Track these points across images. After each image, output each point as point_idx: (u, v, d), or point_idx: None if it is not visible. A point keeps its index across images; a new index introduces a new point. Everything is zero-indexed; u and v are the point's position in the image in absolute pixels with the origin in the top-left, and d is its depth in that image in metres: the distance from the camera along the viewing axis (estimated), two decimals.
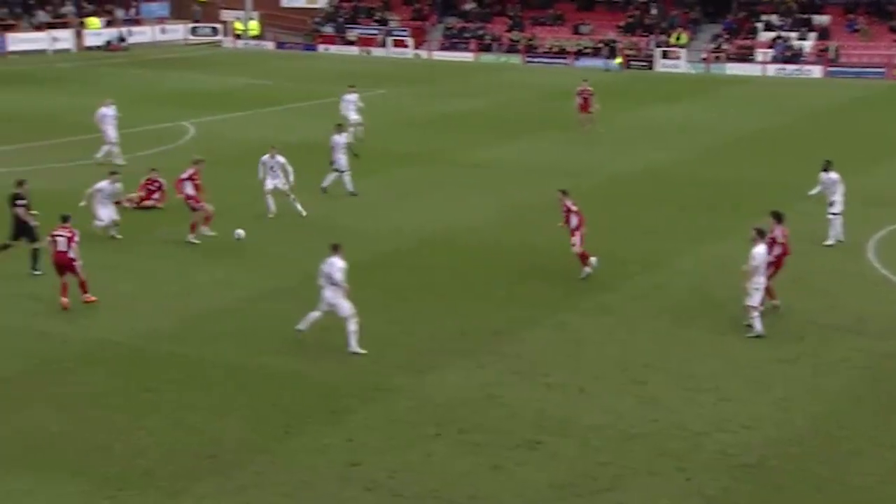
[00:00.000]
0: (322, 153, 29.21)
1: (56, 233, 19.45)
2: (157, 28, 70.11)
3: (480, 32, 67.82)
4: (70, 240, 19.37)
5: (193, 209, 23.98)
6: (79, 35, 64.02)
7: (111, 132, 31.45)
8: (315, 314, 17.90)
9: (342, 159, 28.34)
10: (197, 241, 23.73)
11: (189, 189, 23.97)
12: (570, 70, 60.24)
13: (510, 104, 47.37)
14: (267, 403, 15.82)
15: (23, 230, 21.56)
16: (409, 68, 61.42)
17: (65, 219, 19.77)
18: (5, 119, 39.06)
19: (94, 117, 32.19)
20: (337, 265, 17.54)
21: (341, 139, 28.55)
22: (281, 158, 26.42)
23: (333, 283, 17.57)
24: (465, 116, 43.79)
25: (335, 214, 26.91)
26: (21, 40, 60.64)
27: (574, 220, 21.31)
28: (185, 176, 24.15)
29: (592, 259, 21.60)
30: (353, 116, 36.20)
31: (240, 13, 71.85)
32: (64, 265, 19.35)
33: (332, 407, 15.74)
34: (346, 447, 14.48)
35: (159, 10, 72.48)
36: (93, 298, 19.56)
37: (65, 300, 19.29)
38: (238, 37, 70.69)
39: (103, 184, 23.69)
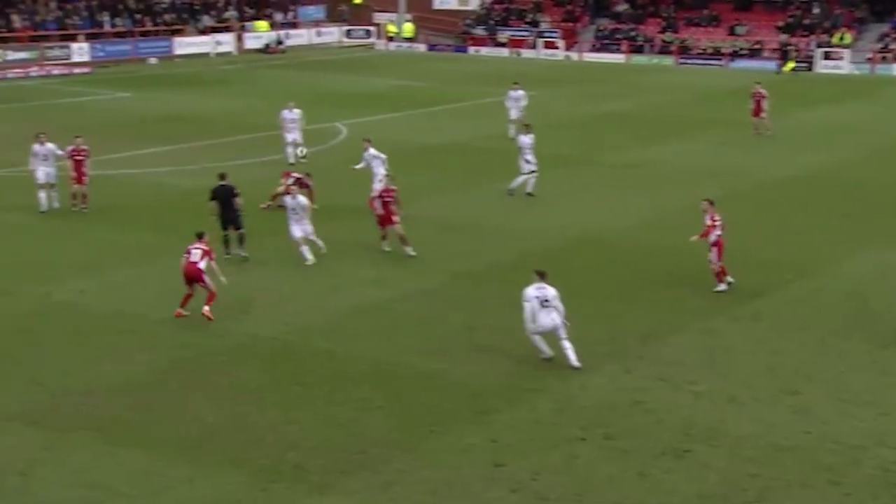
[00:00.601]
0: (469, 154, 29.41)
1: (192, 246, 18.98)
2: (313, 31, 71.79)
3: (633, 34, 67.03)
4: (206, 253, 18.91)
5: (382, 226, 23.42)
6: (240, 38, 66.13)
7: (289, 135, 32.16)
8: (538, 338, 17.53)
9: (532, 160, 28.32)
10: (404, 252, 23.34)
11: (379, 207, 23.50)
12: (724, 72, 58.99)
13: (663, 106, 46.67)
14: (412, 401, 16.02)
15: (231, 220, 22.35)
16: (559, 70, 61.19)
17: (200, 235, 19.21)
18: (172, 119, 40.64)
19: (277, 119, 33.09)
20: (552, 292, 17.21)
21: (528, 140, 28.61)
22: (374, 151, 27.11)
23: (548, 306, 17.14)
24: (615, 118, 43.38)
25: (484, 215, 27.05)
26: (187, 44, 63.00)
27: (713, 235, 20.71)
28: (374, 194, 23.98)
29: (729, 278, 20.95)
30: (514, 113, 36.65)
31: (393, 16, 72.91)
32: (193, 276, 18.81)
33: (476, 407, 15.81)
34: (490, 448, 14.53)
35: (316, 14, 74.21)
36: (210, 316, 18.76)
37: (180, 311, 18.91)
38: (391, 39, 71.75)
39: (286, 199, 23.02)
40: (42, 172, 25.89)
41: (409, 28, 71.91)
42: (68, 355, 17.45)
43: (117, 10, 62.41)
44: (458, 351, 18.03)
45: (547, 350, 17.36)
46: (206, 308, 18.76)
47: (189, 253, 18.87)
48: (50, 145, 26.11)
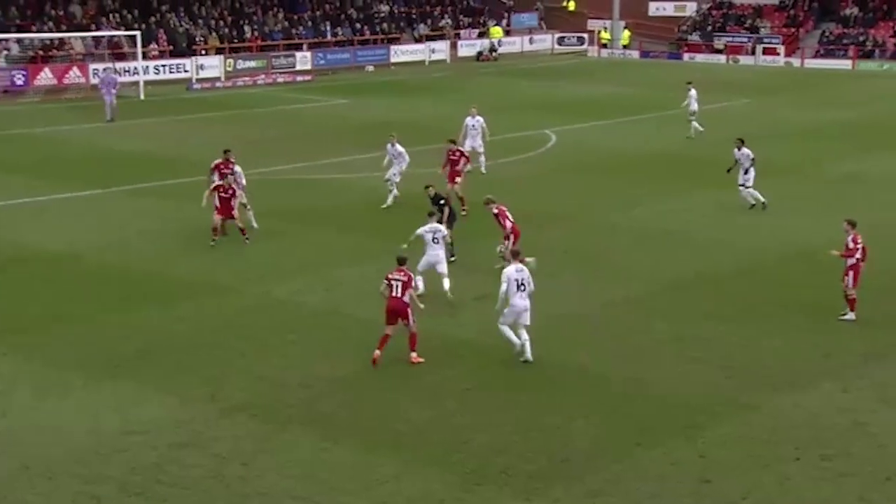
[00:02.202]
0: (678, 163, 28.89)
1: (392, 276, 17.49)
2: (526, 38, 72.19)
3: (861, 38, 64.07)
4: (406, 285, 17.42)
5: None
6: (453, 46, 67.24)
7: (470, 142, 32.17)
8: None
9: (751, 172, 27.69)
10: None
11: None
12: None
13: (891, 114, 44.42)
14: (618, 412, 15.85)
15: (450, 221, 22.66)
16: (778, 77, 59.24)
17: (401, 261, 17.80)
18: (386, 125, 41.70)
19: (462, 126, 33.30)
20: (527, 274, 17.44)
21: (745, 153, 27.78)
22: (400, 148, 27.24)
23: (524, 289, 17.40)
24: (837, 127, 41.62)
25: (693, 224, 26.52)
26: (403, 52, 64.58)
27: (852, 259, 19.48)
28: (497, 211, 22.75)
29: (853, 315, 19.52)
30: (694, 107, 38.34)
31: (606, 22, 72.44)
32: (398, 312, 17.35)
33: (684, 421, 15.49)
34: (698, 463, 14.20)
35: (529, 21, 74.60)
36: (420, 360, 17.45)
37: (378, 353, 17.34)
38: (604, 46, 71.29)
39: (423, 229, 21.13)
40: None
41: (625, 35, 71.30)
42: (286, 351, 18.18)
43: (339, 20, 64.65)
44: (664, 362, 17.73)
45: (516, 341, 17.44)
46: (414, 354, 17.46)
47: (391, 286, 17.34)
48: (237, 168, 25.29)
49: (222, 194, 24.04)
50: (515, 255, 18.11)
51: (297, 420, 15.43)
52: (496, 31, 70.20)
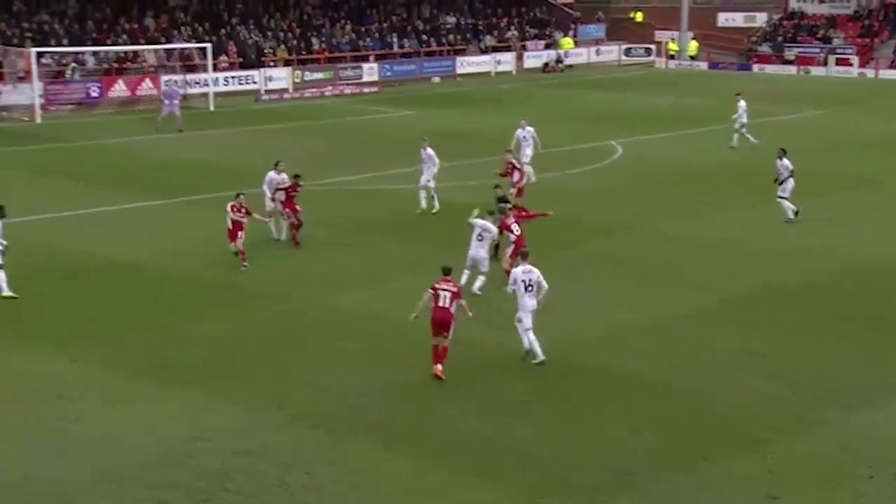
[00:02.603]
0: (744, 175, 28.51)
1: (440, 286, 17.22)
2: (593, 49, 71.90)
3: None
4: (455, 295, 17.16)
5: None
6: (519, 58, 67.19)
7: (527, 152, 32.19)
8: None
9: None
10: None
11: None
12: None
13: None
14: (683, 424, 15.65)
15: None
16: (851, 88, 58.28)
17: (447, 271, 17.51)
18: (451, 136, 41.81)
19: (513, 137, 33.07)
20: (536, 274, 17.64)
21: (784, 164, 27.48)
22: (431, 151, 27.75)
23: (532, 290, 17.51)
24: None
25: (760, 236, 26.15)
26: (468, 63, 64.69)
27: None
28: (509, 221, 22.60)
29: None
30: (744, 119, 38.13)
31: (674, 33, 71.90)
32: (444, 324, 17.01)
33: (751, 435, 15.25)
34: (766, 479, 13.96)
35: (596, 32, 74.31)
36: (442, 377, 17.03)
37: (439, 368, 17.13)
38: (672, 57, 70.73)
39: (477, 221, 21.54)
40: (271, 203, 25.30)
41: (693, 46, 70.68)
42: (348, 360, 18.25)
43: (406, 31, 65.00)
44: (729, 375, 17.49)
45: (528, 346, 17.63)
46: (439, 367, 17.10)
47: (437, 296, 17.07)
48: (285, 175, 25.31)
49: (236, 216, 23.46)
50: (525, 257, 18.28)
51: (358, 429, 15.47)
52: (566, 42, 70.05)
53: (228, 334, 19.52)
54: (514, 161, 28.21)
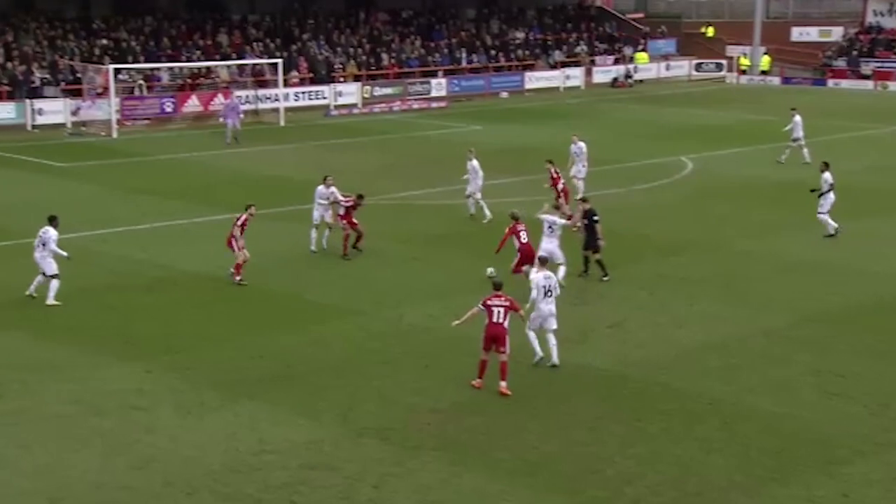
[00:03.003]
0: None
1: (492, 302, 17.25)
2: (662, 65, 71.40)
3: None
4: (508, 309, 17.21)
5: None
6: (588, 73, 66.97)
7: (580, 167, 32.00)
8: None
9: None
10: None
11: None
12: None
13: None
14: (754, 444, 15.42)
15: (591, 243, 23.34)
16: None
17: (497, 286, 17.59)
18: (519, 151, 41.80)
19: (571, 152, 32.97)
20: (554, 281, 18.21)
21: (825, 177, 27.42)
22: (475, 163, 28.61)
23: (551, 296, 17.95)
24: None
25: (835, 254, 25.71)
26: (537, 78, 64.63)
27: None
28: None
29: None
30: (798, 133, 37.87)
31: (746, 48, 71.12)
32: (499, 339, 17.08)
33: (825, 457, 14.99)
34: (840, 502, 13.70)
35: (666, 48, 73.78)
36: (508, 392, 17.13)
37: (479, 382, 17.44)
38: (743, 72, 69.96)
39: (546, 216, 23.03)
40: (318, 213, 26.03)
41: (765, 61, 69.84)
42: (417, 375, 18.29)
43: (474, 47, 65.18)
44: (804, 395, 17.21)
45: (539, 351, 18.14)
46: (503, 384, 17.19)
47: (491, 311, 17.13)
48: (333, 189, 25.91)
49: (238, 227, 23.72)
50: (543, 263, 19.01)
51: (426, 445, 15.49)
52: (641, 57, 69.70)
53: (298, 348, 19.68)
54: (551, 169, 28.89)
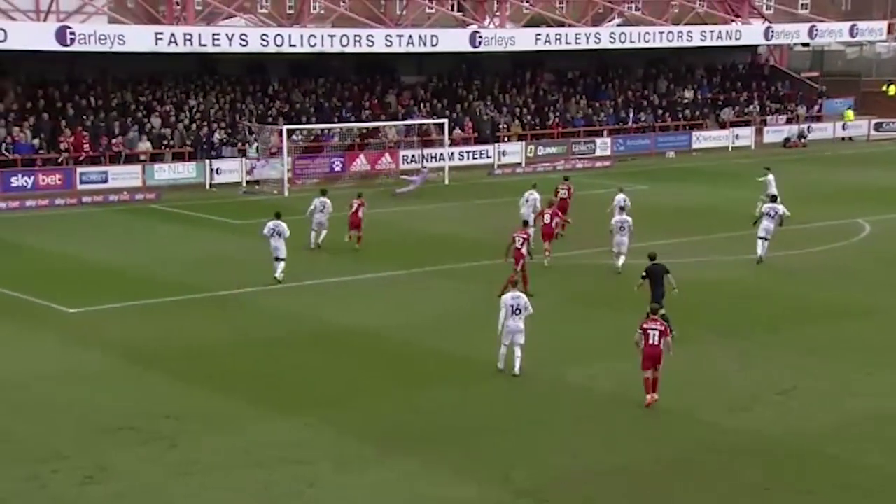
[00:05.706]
0: None
1: (648, 326, 19.16)
2: (839, 124, 69.13)
3: None
4: (662, 333, 19.02)
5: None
6: (759, 132, 65.43)
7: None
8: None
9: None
10: None
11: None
12: None
13: None
14: None
15: (659, 296, 23.06)
16: None
17: (654, 310, 19.52)
18: (686, 211, 41.04)
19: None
20: (523, 301, 20.43)
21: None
22: (536, 195, 33.15)
23: (518, 313, 20.22)
24: None
25: None
26: (705, 138, 63.53)
27: None
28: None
29: None
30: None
31: None
32: (655, 358, 19.01)
33: None
34: None
35: (842, 107, 71.44)
36: (656, 397, 19.06)
37: (651, 397, 19.09)
38: None
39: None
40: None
41: None
42: (574, 437, 17.97)
43: (641, 106, 64.67)
44: None
45: (502, 364, 20.67)
46: (654, 395, 18.99)
47: (647, 335, 19.05)
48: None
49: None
50: (514, 285, 21.54)
51: None
52: (848, 115, 67.79)
53: (457, 405, 19.63)
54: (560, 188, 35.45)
